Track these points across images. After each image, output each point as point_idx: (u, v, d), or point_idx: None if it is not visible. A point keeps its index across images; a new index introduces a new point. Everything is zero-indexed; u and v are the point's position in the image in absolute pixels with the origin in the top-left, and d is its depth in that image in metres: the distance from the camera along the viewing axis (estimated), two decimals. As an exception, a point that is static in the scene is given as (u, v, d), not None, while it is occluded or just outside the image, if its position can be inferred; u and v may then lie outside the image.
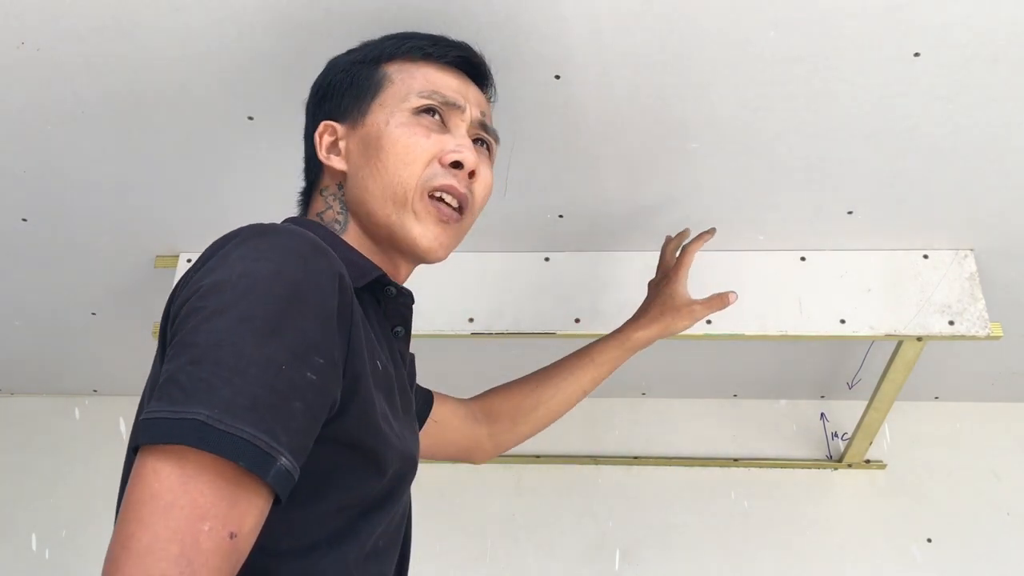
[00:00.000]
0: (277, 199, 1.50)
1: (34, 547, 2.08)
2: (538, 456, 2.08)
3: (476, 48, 1.05)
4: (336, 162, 0.98)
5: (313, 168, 1.03)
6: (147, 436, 0.66)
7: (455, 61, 1.02)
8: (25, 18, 1.17)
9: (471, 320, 1.61)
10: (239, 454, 0.65)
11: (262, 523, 0.68)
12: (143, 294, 1.76)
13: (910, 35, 1.16)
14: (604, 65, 1.22)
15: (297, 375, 0.70)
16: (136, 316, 1.82)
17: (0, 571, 2.07)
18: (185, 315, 0.73)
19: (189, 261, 1.66)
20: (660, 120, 1.31)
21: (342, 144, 0.98)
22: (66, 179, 1.47)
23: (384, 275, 0.92)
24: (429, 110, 0.97)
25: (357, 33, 1.11)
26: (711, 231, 1.45)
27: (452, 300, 1.60)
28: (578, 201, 1.50)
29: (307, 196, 1.04)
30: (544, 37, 1.18)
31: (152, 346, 1.72)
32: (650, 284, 1.45)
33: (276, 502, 0.69)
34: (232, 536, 0.64)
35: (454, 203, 0.96)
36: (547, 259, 1.65)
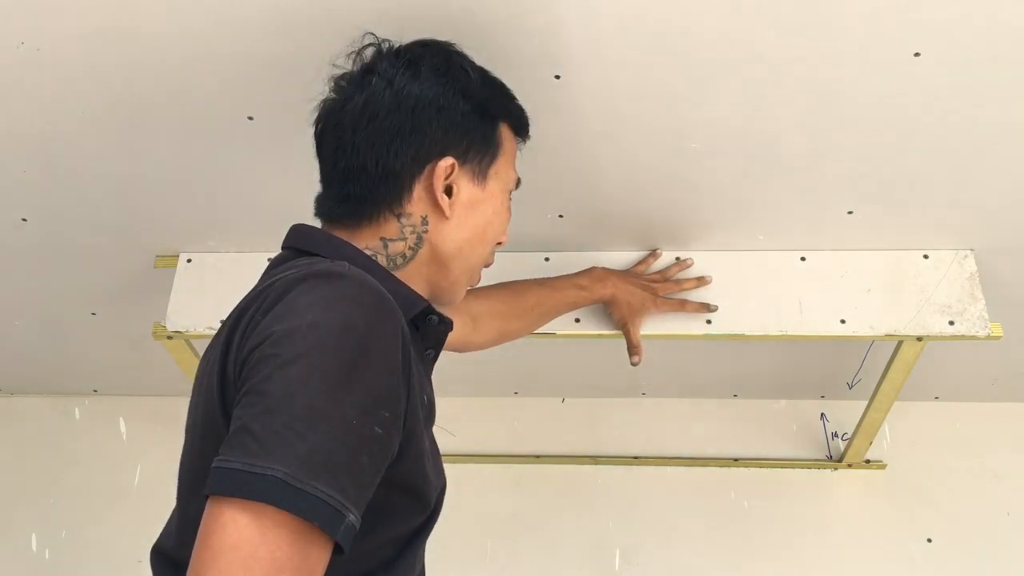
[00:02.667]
0: (277, 199, 1.51)
1: (34, 547, 2.07)
2: (538, 456, 2.08)
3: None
4: (446, 204, 0.95)
5: (398, 184, 0.95)
6: (226, 488, 0.68)
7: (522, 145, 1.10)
8: (25, 18, 1.17)
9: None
10: (315, 514, 0.68)
11: (324, 572, 0.71)
12: (143, 294, 1.76)
13: (910, 35, 1.16)
14: (604, 65, 1.22)
15: (366, 429, 0.72)
16: (136, 316, 1.82)
17: (0, 571, 2.07)
18: (256, 361, 0.75)
19: (189, 261, 1.66)
20: (660, 120, 1.31)
21: (455, 189, 0.97)
22: (66, 179, 1.47)
23: (430, 306, 0.95)
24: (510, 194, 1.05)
25: (357, 33, 1.11)
26: (703, 281, 1.57)
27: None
28: (578, 201, 1.50)
29: (365, 207, 0.96)
30: (544, 37, 1.18)
31: (152, 346, 1.73)
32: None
33: (337, 550, 0.71)
34: None
35: None
36: (547, 259, 1.64)
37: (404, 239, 0.95)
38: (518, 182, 1.07)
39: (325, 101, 1.02)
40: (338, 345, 0.74)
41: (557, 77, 1.24)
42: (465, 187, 0.97)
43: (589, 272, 1.51)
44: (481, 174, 0.99)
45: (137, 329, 1.83)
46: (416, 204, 0.95)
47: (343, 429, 0.71)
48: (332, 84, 1.02)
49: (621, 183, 1.45)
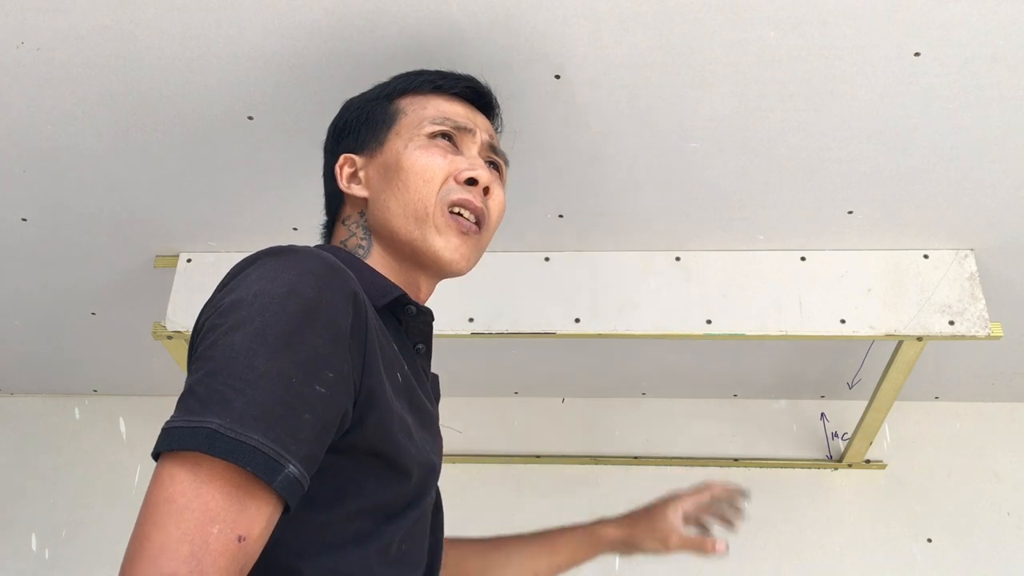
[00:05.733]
0: (277, 199, 1.51)
1: (34, 547, 2.07)
2: (538, 456, 2.08)
3: (482, 80, 1.11)
4: (357, 190, 1.03)
5: (334, 201, 1.07)
6: (164, 444, 0.70)
7: (463, 92, 1.08)
8: (25, 18, 1.17)
9: (471, 320, 1.61)
10: (247, 460, 0.68)
11: (271, 529, 0.71)
12: (143, 294, 1.76)
13: (910, 35, 1.16)
14: (604, 65, 1.22)
15: (307, 388, 0.73)
16: (136, 316, 1.82)
17: (0, 571, 2.07)
18: (206, 332, 0.78)
19: (189, 261, 1.66)
20: (660, 120, 1.31)
21: (362, 173, 1.03)
22: (66, 179, 1.47)
23: (404, 295, 0.96)
24: (443, 135, 1.04)
25: (356, 34, 1.11)
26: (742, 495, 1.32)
27: (452, 300, 1.60)
28: (578, 201, 1.50)
29: (329, 228, 1.08)
30: (544, 37, 1.18)
31: (152, 346, 1.73)
32: (657, 501, 1.34)
33: (287, 510, 0.72)
34: (240, 539, 0.68)
35: (472, 217, 1.01)
36: (547, 259, 1.65)
37: (353, 234, 1.02)
38: (451, 120, 1.04)
39: None
40: (281, 309, 0.76)
41: (557, 77, 1.24)
42: (368, 166, 1.03)
43: (590, 530, 1.30)
44: (377, 145, 1.04)
45: (137, 329, 1.84)
46: (348, 207, 1.04)
47: (282, 387, 0.72)
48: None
49: (621, 183, 1.45)
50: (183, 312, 1.62)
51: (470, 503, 2.02)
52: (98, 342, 1.97)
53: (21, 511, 2.12)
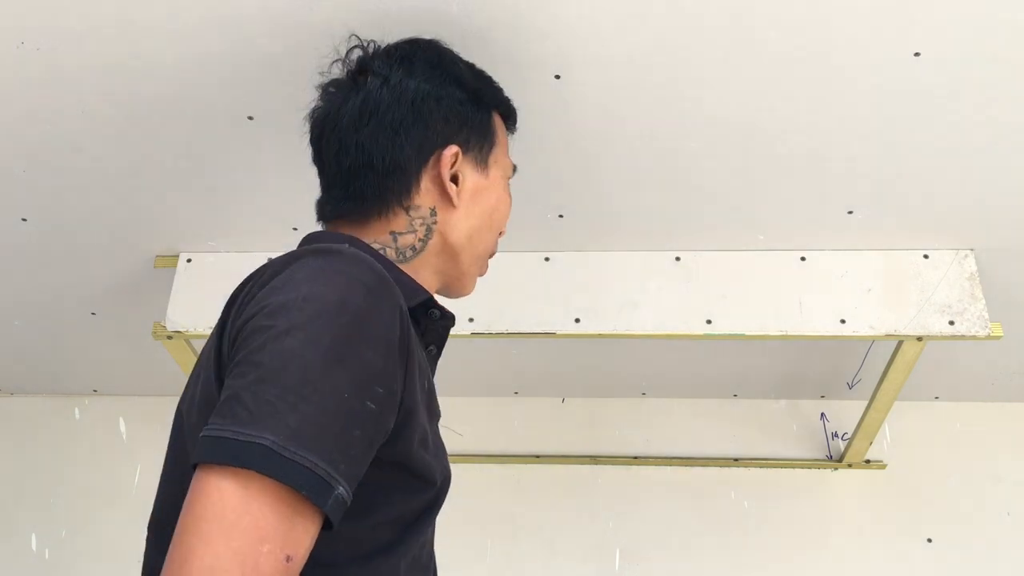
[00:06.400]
0: (277, 199, 1.51)
1: (34, 547, 2.08)
2: (538, 456, 2.08)
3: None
4: (454, 192, 0.96)
5: (403, 178, 0.95)
6: (214, 455, 0.68)
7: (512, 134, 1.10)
8: (25, 18, 1.17)
9: (471, 320, 1.61)
10: (302, 483, 0.67)
11: (312, 546, 0.70)
12: (143, 294, 1.76)
13: (910, 35, 1.16)
14: (604, 65, 1.22)
15: (359, 404, 0.72)
16: (136, 316, 1.82)
17: (0, 571, 2.07)
18: (250, 332, 0.74)
19: (189, 261, 1.66)
20: (660, 120, 1.31)
21: (461, 178, 0.97)
22: (66, 179, 1.47)
23: (431, 298, 0.95)
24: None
25: (357, 34, 1.10)
26: None
27: (452, 300, 1.59)
28: (578, 201, 1.50)
29: (375, 204, 0.95)
30: (544, 37, 1.18)
31: (152, 346, 1.73)
32: None
33: (327, 526, 0.70)
34: (288, 559, 0.67)
35: None
36: (547, 259, 1.65)
37: (414, 231, 0.95)
38: (514, 169, 1.08)
39: (315, 110, 1.02)
40: (334, 319, 0.73)
41: (557, 77, 1.24)
42: (470, 175, 0.98)
43: None
44: (482, 162, 1.00)
45: (137, 329, 1.83)
46: (424, 196, 0.96)
47: (335, 402, 0.70)
48: (321, 92, 1.02)
49: (621, 183, 1.45)
50: (183, 312, 1.62)
51: (470, 503, 2.02)
52: (98, 342, 1.97)
53: (21, 511, 2.12)
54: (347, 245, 0.84)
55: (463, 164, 0.97)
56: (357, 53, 1.02)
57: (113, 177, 1.47)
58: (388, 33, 1.05)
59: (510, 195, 1.05)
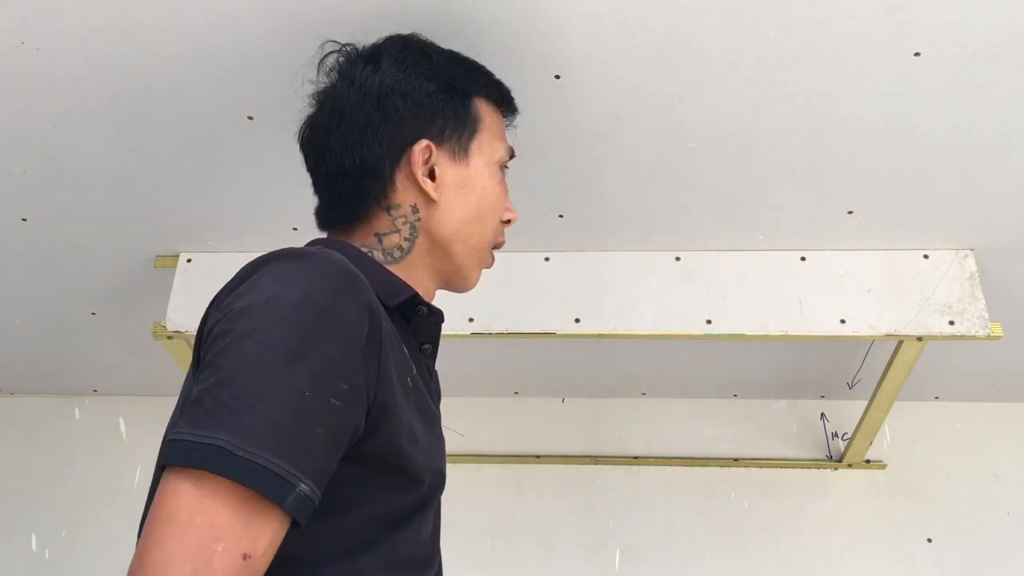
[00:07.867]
0: (277, 199, 1.51)
1: (34, 547, 2.08)
2: (538, 456, 2.08)
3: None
4: (430, 188, 0.95)
5: (375, 180, 0.95)
6: (170, 457, 0.69)
7: (510, 116, 1.08)
8: (25, 18, 1.17)
9: (471, 320, 1.61)
10: (256, 481, 0.67)
11: (277, 544, 0.70)
12: (143, 294, 1.76)
13: (910, 35, 1.16)
14: (604, 65, 1.22)
15: (320, 401, 0.71)
16: (136, 316, 1.82)
17: (0, 571, 2.07)
18: (215, 337, 0.75)
19: (189, 261, 1.66)
20: (660, 120, 1.31)
21: (438, 171, 0.96)
22: (66, 179, 1.47)
23: (417, 295, 0.94)
24: (503, 167, 1.03)
25: (356, 33, 1.10)
26: None
27: (452, 300, 1.59)
28: (578, 201, 1.50)
29: (356, 208, 0.96)
30: (544, 37, 1.18)
31: (152, 346, 1.73)
32: None
33: (296, 525, 0.70)
34: (246, 557, 0.67)
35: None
36: (547, 259, 1.65)
37: (398, 231, 0.95)
38: (511, 153, 1.05)
39: (306, 119, 1.02)
40: (294, 318, 0.73)
41: (557, 77, 1.24)
42: (448, 168, 0.96)
43: None
44: (462, 151, 0.98)
45: (137, 329, 1.84)
46: (402, 194, 0.95)
47: (295, 400, 0.70)
48: (311, 100, 1.02)
49: (621, 183, 1.45)
50: (183, 312, 1.62)
51: (470, 503, 2.02)
52: (98, 342, 1.97)
53: (21, 511, 2.12)
54: (320, 247, 0.84)
55: (439, 157, 0.96)
56: (333, 58, 1.02)
57: (113, 177, 1.47)
58: (388, 33, 1.05)
59: (503, 181, 1.02)
